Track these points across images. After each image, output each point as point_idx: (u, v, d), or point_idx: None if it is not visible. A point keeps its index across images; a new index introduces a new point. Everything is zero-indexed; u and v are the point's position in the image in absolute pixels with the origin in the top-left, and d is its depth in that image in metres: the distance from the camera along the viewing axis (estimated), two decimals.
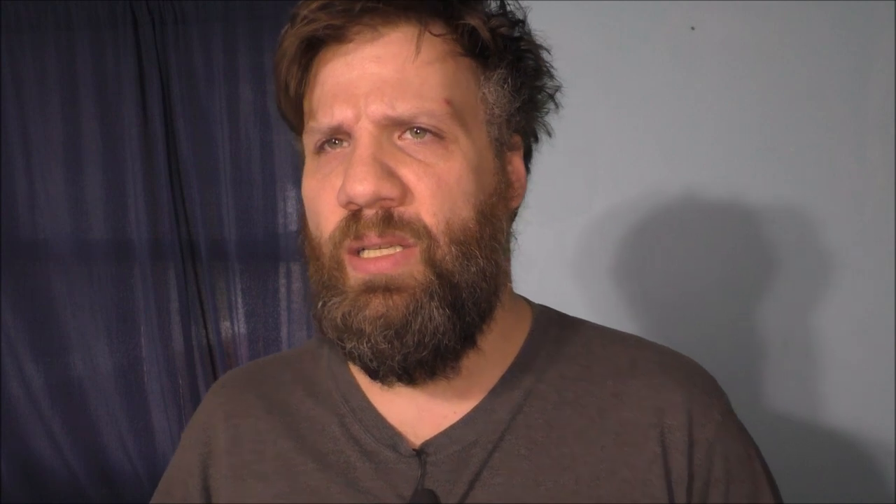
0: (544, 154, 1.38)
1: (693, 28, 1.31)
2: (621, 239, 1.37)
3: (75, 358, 1.55)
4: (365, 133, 0.51)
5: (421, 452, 0.57)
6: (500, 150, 0.59)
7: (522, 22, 0.60)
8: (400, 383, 0.54)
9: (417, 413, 0.58)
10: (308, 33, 0.51)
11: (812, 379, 1.35)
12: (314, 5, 0.51)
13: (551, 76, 0.65)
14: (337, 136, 0.53)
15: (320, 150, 0.54)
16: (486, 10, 0.57)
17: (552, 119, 1.37)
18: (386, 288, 0.51)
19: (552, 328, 0.65)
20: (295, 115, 0.55)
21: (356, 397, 0.60)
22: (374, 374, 0.54)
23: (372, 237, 0.51)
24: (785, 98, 1.31)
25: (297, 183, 1.38)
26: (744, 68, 1.31)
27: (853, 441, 1.36)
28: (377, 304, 0.51)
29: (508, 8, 0.58)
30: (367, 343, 0.51)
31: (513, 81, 0.61)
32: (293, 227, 1.38)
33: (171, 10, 1.38)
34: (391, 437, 0.58)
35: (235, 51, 1.38)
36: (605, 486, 0.56)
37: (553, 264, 1.39)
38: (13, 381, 1.52)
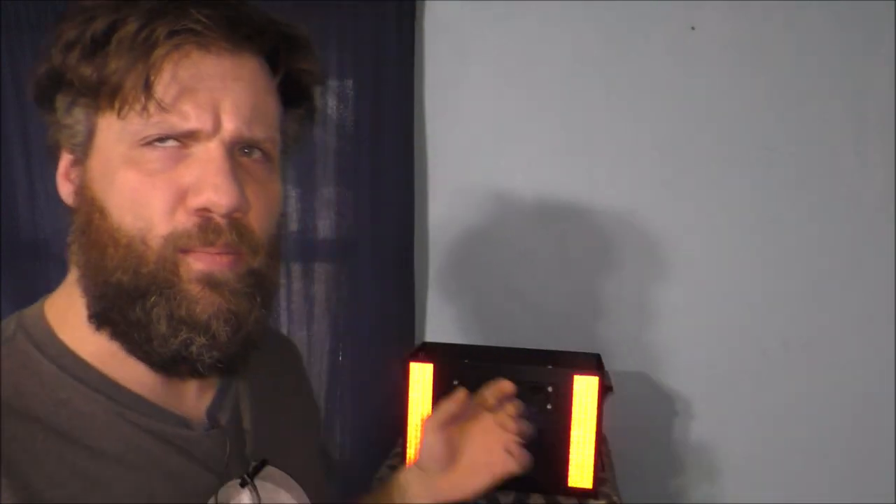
0: (545, 154, 1.38)
1: (693, 28, 1.32)
2: (621, 237, 1.37)
3: None
4: (221, 146, 0.55)
5: (216, 425, 0.62)
6: (282, 175, 0.66)
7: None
8: (193, 377, 0.59)
9: (174, 395, 0.61)
10: (189, 40, 0.53)
11: (812, 378, 1.36)
12: (203, 14, 0.53)
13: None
14: (177, 137, 0.54)
15: (149, 143, 0.54)
16: (306, 50, 0.62)
17: (555, 118, 1.37)
18: (227, 286, 0.55)
19: None
20: (111, 90, 0.53)
21: (120, 392, 0.58)
22: (170, 368, 0.57)
23: (221, 246, 0.55)
24: (785, 98, 1.31)
25: (298, 182, 1.39)
26: (744, 68, 1.31)
27: (853, 441, 1.36)
28: (221, 301, 0.55)
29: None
30: (206, 335, 0.55)
31: (306, 121, 0.67)
32: (292, 227, 1.38)
33: None
34: (177, 419, 0.60)
35: None
36: (308, 417, 0.79)
37: (554, 262, 1.39)
38: None
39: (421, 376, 1.08)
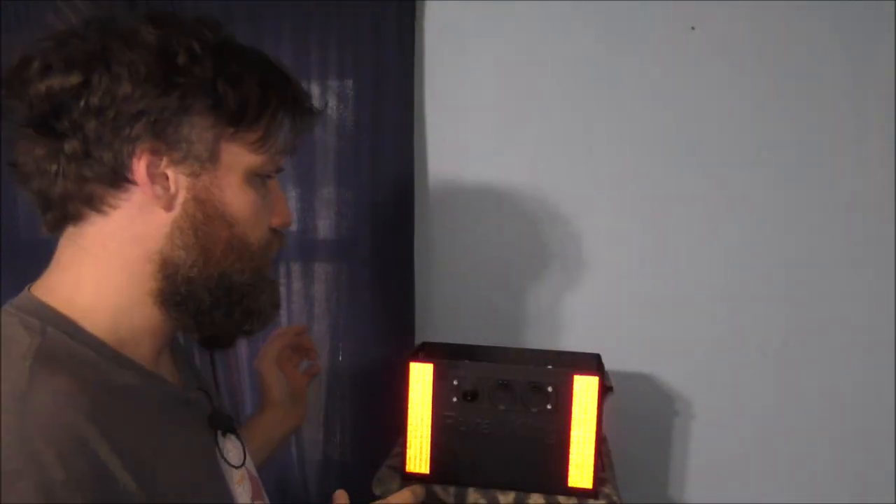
0: (545, 154, 1.39)
1: (693, 28, 1.32)
2: (620, 237, 1.37)
3: None
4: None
5: (196, 388, 0.77)
6: None
7: None
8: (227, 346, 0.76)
9: (161, 368, 0.72)
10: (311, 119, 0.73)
11: (812, 378, 1.36)
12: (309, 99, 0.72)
13: None
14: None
15: (265, 176, 0.70)
16: None
17: (555, 118, 1.37)
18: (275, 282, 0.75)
19: None
20: (263, 135, 0.67)
21: (142, 369, 0.67)
22: (227, 343, 0.75)
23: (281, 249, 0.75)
24: (785, 98, 1.31)
25: (299, 182, 1.38)
26: (744, 68, 1.31)
27: (853, 441, 1.36)
28: (277, 291, 0.75)
29: None
30: (276, 314, 0.75)
31: None
32: (292, 227, 1.38)
33: (171, 10, 1.38)
34: (178, 386, 0.73)
35: None
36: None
37: (554, 262, 1.39)
38: None
39: (421, 376, 1.08)
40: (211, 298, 0.67)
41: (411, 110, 1.34)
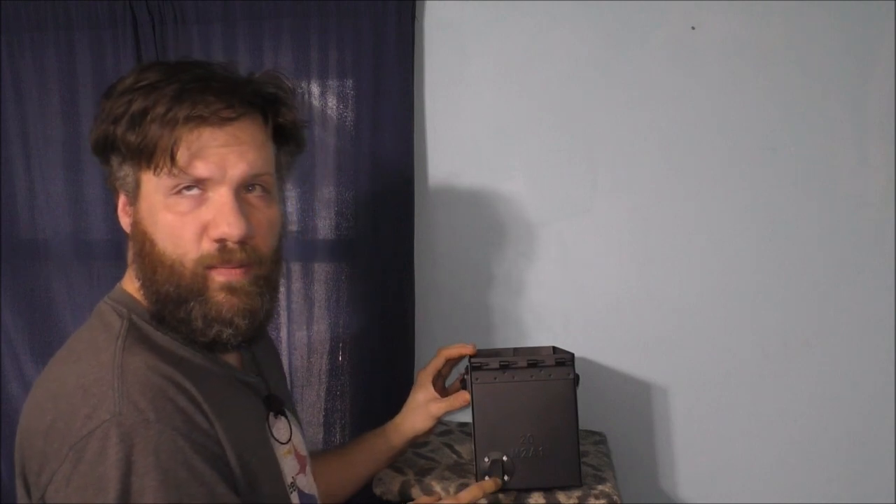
0: (545, 154, 1.39)
1: (693, 28, 1.32)
2: (621, 237, 1.37)
3: None
4: (230, 190, 0.76)
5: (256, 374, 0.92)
6: (281, 197, 0.88)
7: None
8: (226, 352, 0.83)
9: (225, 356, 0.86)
10: (199, 115, 0.74)
11: (812, 378, 1.36)
12: (209, 99, 0.75)
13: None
14: (196, 185, 0.76)
15: (178, 192, 0.76)
16: (288, 104, 0.84)
17: (555, 118, 1.37)
18: (242, 291, 0.78)
19: None
20: (148, 156, 0.75)
21: (206, 354, 0.81)
22: (213, 347, 0.80)
23: (235, 263, 0.77)
24: (785, 98, 1.31)
25: (299, 182, 1.38)
26: (744, 68, 1.31)
27: (853, 441, 1.36)
28: (239, 302, 0.78)
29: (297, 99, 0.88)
30: (230, 328, 0.78)
31: (296, 151, 0.89)
32: (293, 227, 1.38)
33: (171, 10, 1.38)
34: (238, 370, 0.87)
35: (235, 51, 1.38)
36: (281, 369, 1.10)
37: (554, 262, 1.39)
38: (13, 381, 1.51)
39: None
40: (165, 310, 0.77)
41: (411, 110, 1.34)
